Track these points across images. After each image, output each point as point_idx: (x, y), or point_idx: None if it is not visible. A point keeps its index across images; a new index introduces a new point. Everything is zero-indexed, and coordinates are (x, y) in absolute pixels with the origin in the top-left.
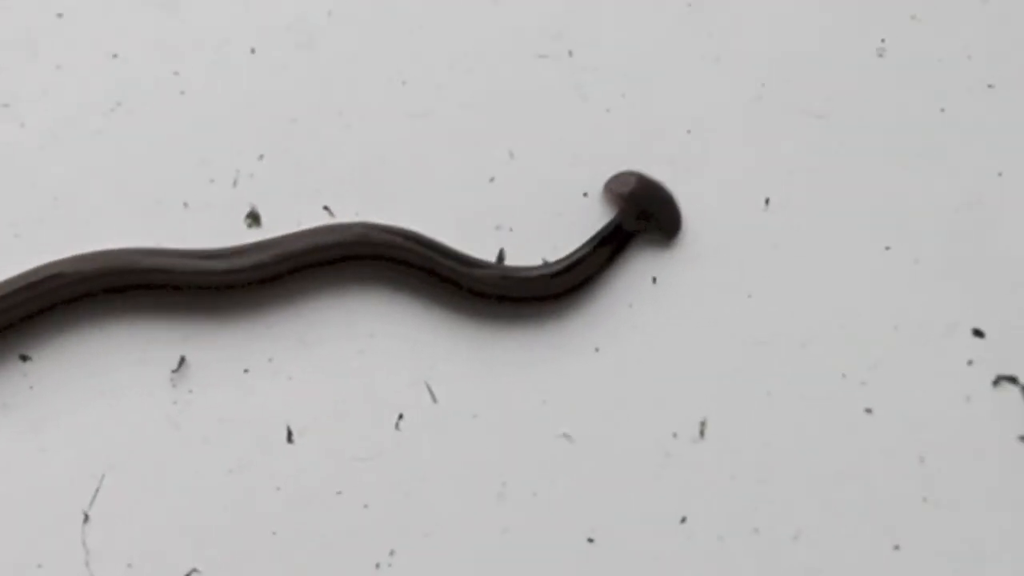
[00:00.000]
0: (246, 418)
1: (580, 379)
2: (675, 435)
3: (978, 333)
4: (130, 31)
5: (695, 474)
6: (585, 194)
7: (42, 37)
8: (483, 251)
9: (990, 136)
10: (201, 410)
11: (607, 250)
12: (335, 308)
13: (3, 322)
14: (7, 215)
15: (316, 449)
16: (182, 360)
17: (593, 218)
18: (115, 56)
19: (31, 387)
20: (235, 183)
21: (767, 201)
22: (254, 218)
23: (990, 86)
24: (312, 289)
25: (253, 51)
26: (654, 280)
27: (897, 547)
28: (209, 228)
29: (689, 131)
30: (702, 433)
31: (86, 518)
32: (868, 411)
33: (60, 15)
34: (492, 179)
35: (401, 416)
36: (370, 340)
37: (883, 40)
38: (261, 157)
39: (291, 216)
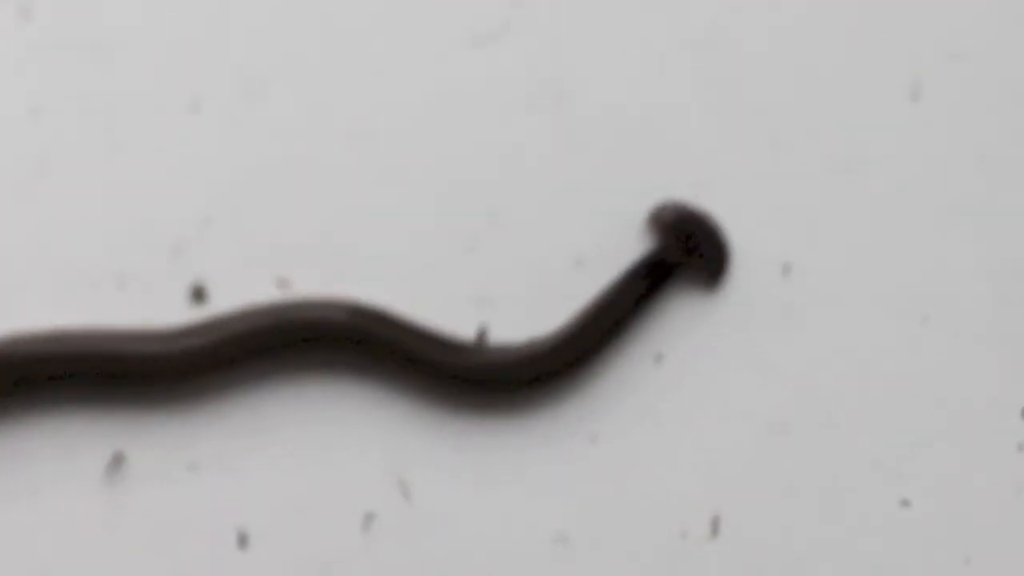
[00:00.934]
0: (192, 521)
1: (575, 472)
2: (684, 534)
3: None
4: (54, 82)
5: None
6: (578, 262)
7: None
8: (462, 327)
9: None
10: (140, 512)
11: (641, 285)
12: (293, 394)
13: None
14: None
15: (272, 556)
16: (118, 456)
17: (588, 288)
18: (37, 111)
19: None
20: (176, 252)
21: (786, 267)
22: (198, 293)
23: None
24: (267, 373)
25: (195, 103)
26: (658, 358)
27: None
28: (147, 305)
29: (698, 188)
30: (715, 531)
31: None
32: (905, 503)
33: None
34: (471, 246)
35: (370, 516)
36: (333, 430)
37: (918, 80)
38: (206, 222)
39: (241, 290)
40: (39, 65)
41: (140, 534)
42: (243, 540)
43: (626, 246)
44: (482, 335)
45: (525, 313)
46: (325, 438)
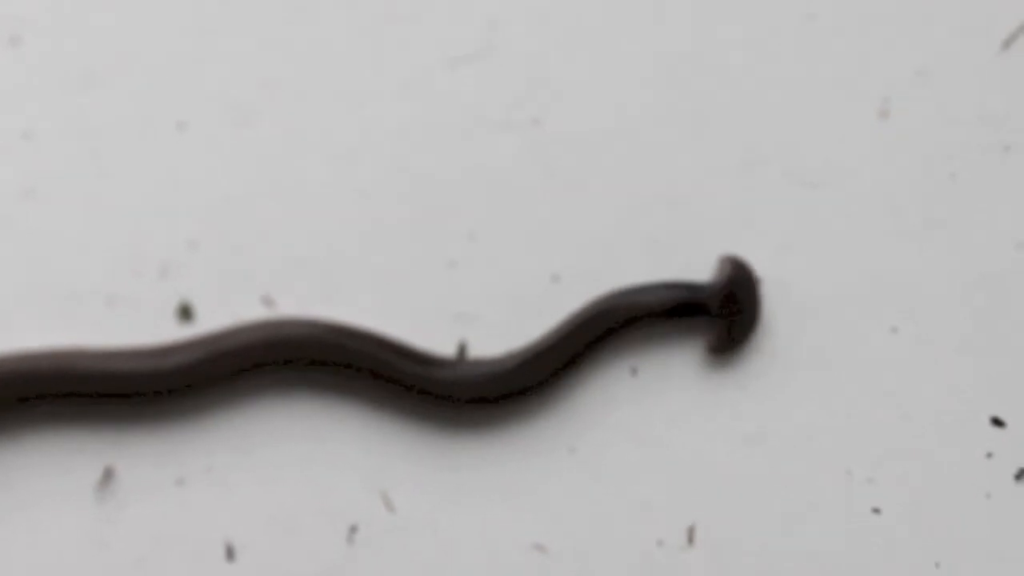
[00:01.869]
0: (181, 534)
1: (553, 483)
2: (660, 543)
3: (997, 422)
4: (42, 108)
5: None
6: (555, 278)
7: None
8: (443, 343)
9: (1006, 204)
10: (130, 527)
11: (662, 310)
12: (279, 411)
13: None
14: None
15: (260, 568)
16: (108, 471)
17: (564, 303)
18: (26, 136)
19: None
20: (163, 274)
21: (758, 279)
22: (185, 312)
23: (1006, 148)
24: (253, 390)
25: (181, 127)
26: (633, 371)
27: None
28: (135, 324)
29: (671, 205)
30: (691, 540)
31: None
32: (876, 511)
33: None
34: (451, 263)
35: (354, 528)
36: (318, 445)
37: (886, 99)
38: (192, 244)
39: (227, 310)
40: (28, 90)
41: (130, 547)
42: (231, 553)
43: (601, 263)
44: (462, 351)
45: (504, 328)
46: (309, 453)
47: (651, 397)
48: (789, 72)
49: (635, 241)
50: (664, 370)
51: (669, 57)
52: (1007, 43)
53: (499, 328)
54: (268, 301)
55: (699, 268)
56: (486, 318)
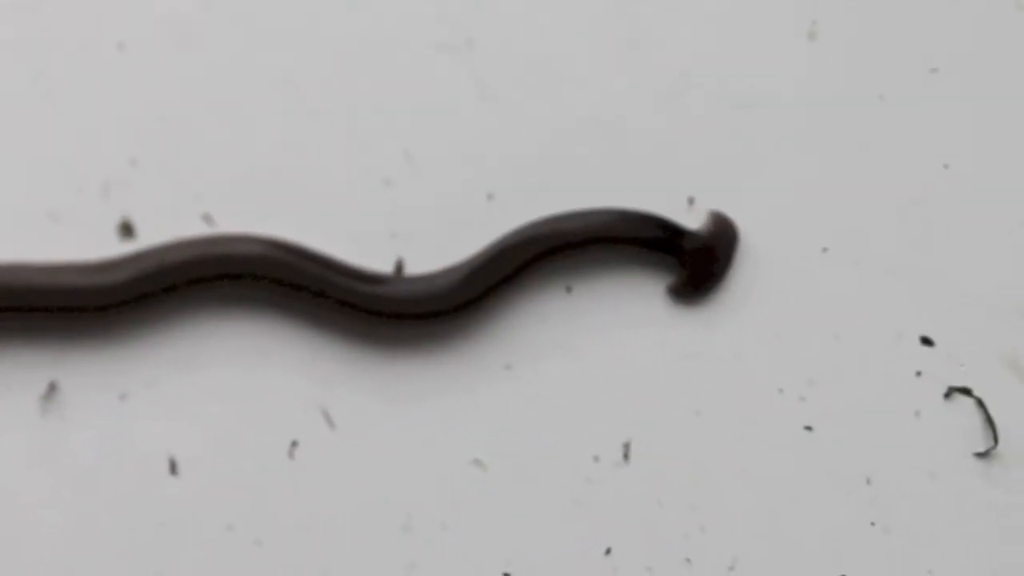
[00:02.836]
0: (125, 449)
1: (490, 400)
2: (597, 459)
3: (927, 341)
4: None
5: (620, 501)
6: (490, 196)
7: None
8: (380, 261)
9: (935, 125)
10: (74, 441)
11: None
12: (220, 327)
13: None
14: None
15: (202, 481)
16: (52, 386)
17: (499, 222)
18: None
19: None
20: (105, 191)
21: (691, 200)
22: (127, 229)
23: (934, 70)
24: (194, 307)
25: (121, 47)
26: (569, 290)
27: None
28: (77, 241)
29: (604, 127)
30: (626, 456)
31: None
32: (808, 429)
33: None
34: (388, 182)
35: (295, 444)
36: (259, 361)
37: (815, 21)
38: (134, 162)
39: (167, 227)
40: None
41: (74, 461)
42: (174, 467)
43: (535, 183)
44: (399, 268)
45: (440, 246)
46: (250, 369)
47: (586, 315)
48: None
49: (567, 162)
50: (599, 288)
51: None
52: None
53: (435, 246)
54: (208, 219)
55: (630, 190)
56: (422, 236)
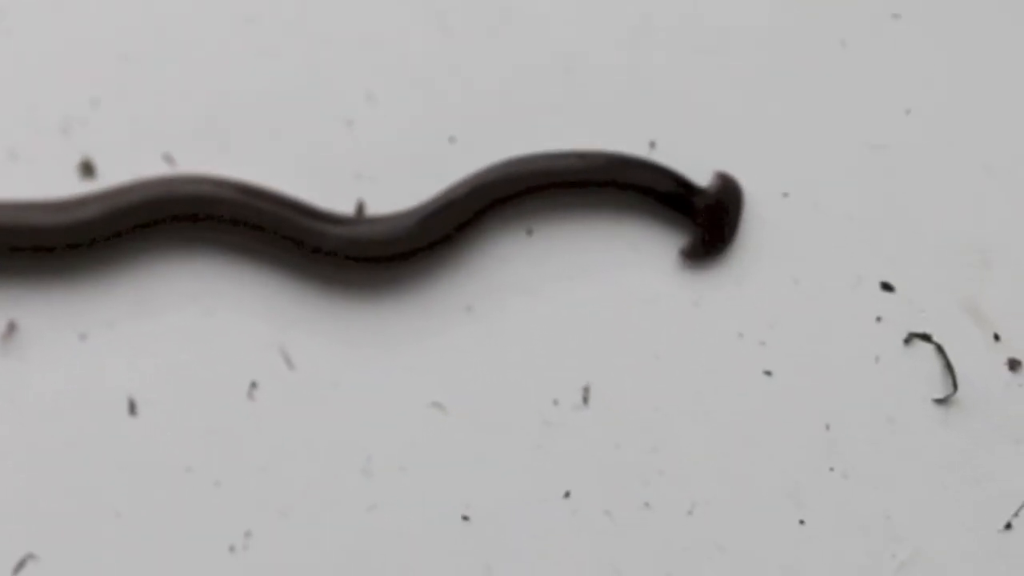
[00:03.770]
0: (84, 389)
1: (450, 342)
2: (556, 402)
3: (887, 287)
4: None
5: (578, 444)
6: (452, 138)
7: None
8: (341, 203)
9: (896, 72)
10: (34, 380)
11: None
12: (180, 268)
13: None
14: None
15: (161, 422)
16: (11, 325)
17: (461, 164)
18: None
19: None
20: (65, 130)
21: (652, 144)
22: (87, 169)
23: (895, 16)
24: (154, 246)
25: None
26: (529, 232)
27: (802, 521)
28: (37, 180)
29: (567, 68)
30: (585, 399)
31: None
32: (768, 373)
33: None
34: (350, 123)
35: (254, 385)
36: (219, 302)
37: None
38: (94, 102)
39: (128, 167)
40: None
41: (34, 400)
42: (133, 407)
43: (497, 126)
44: (360, 210)
45: (401, 188)
46: (210, 309)
47: (547, 258)
48: None
49: (530, 103)
50: (560, 231)
51: None
52: None
53: (396, 188)
54: (169, 159)
55: (591, 131)
56: (384, 178)
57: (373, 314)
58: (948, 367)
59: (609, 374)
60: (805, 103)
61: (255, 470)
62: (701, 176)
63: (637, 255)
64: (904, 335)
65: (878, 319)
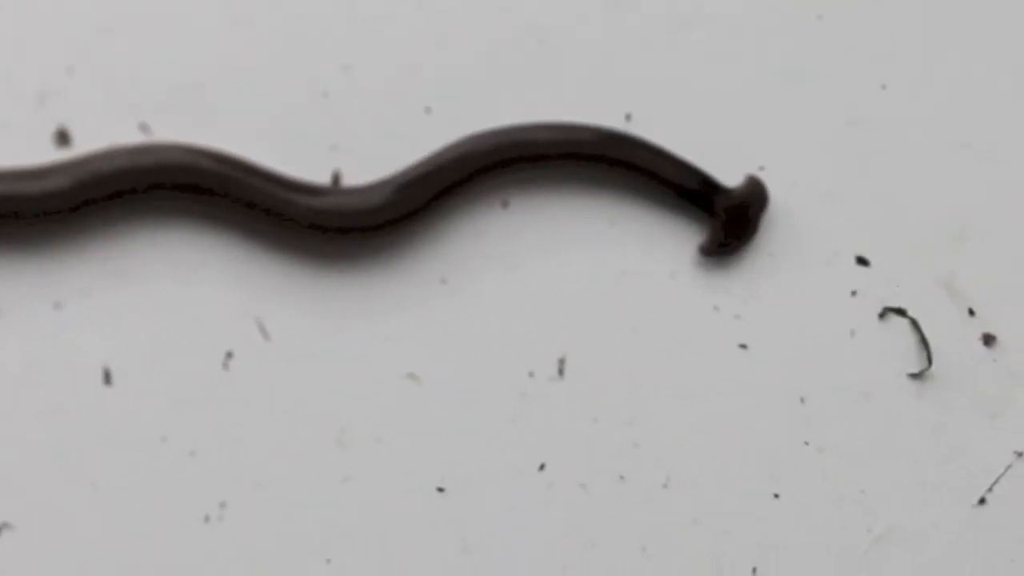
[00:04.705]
0: (59, 358)
1: (425, 313)
2: (531, 374)
3: (862, 261)
4: None
5: (554, 416)
6: (428, 109)
7: None
8: (317, 173)
9: (872, 46)
10: (8, 349)
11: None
12: (156, 237)
13: None
14: None
15: (137, 392)
16: None
17: (437, 135)
18: None
19: None
20: (41, 99)
21: (628, 116)
22: (63, 138)
23: None
24: (130, 216)
25: None
26: (505, 204)
27: (777, 495)
28: (12, 149)
29: (541, 40)
30: (561, 372)
31: None
32: (743, 347)
33: None
34: (326, 94)
35: (230, 355)
36: (194, 272)
37: None
38: (70, 71)
39: (104, 136)
40: None
41: (8, 369)
42: (108, 376)
43: (473, 96)
44: (336, 180)
45: (377, 159)
46: (185, 279)
47: (522, 230)
48: None
49: (506, 75)
50: (535, 204)
51: None
52: None
53: (372, 158)
54: (144, 128)
55: (568, 99)
56: (359, 149)
57: (348, 285)
58: (923, 342)
59: (585, 347)
60: (781, 77)
61: (230, 440)
62: (682, 145)
63: (613, 228)
64: (879, 310)
65: (853, 293)
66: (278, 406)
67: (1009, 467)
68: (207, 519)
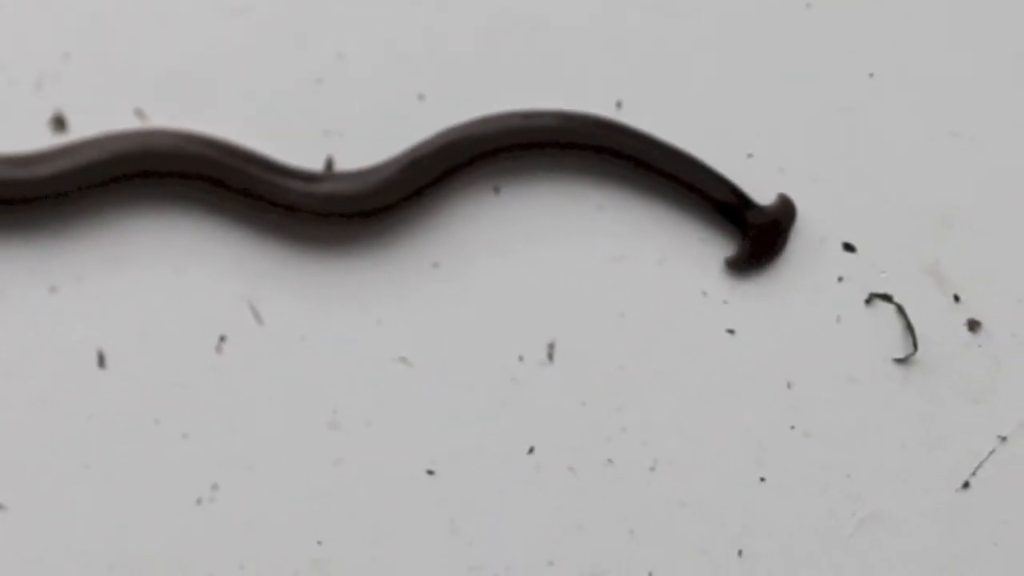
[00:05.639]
0: (53, 342)
1: (417, 298)
2: (521, 358)
3: (849, 247)
4: None
5: (543, 400)
6: (421, 96)
7: None
8: (311, 159)
9: (860, 34)
10: (3, 333)
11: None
12: (151, 222)
13: None
14: None
15: (130, 375)
16: None
17: (430, 122)
18: None
19: None
20: (38, 85)
21: (619, 103)
22: (59, 123)
23: None
24: (124, 200)
25: None
26: (497, 190)
27: (763, 479)
28: (9, 134)
29: (534, 28)
30: (550, 356)
31: None
32: (731, 332)
33: None
34: (320, 81)
35: (223, 338)
36: (188, 257)
37: None
38: (67, 57)
39: (100, 121)
40: None
41: (5, 352)
42: (102, 360)
43: (465, 83)
44: (329, 166)
45: (370, 146)
46: (179, 264)
47: (514, 216)
48: None
49: (498, 63)
50: (525, 189)
51: None
52: None
53: (365, 145)
54: (140, 114)
55: (560, 85)
56: (353, 135)
57: (341, 270)
58: (909, 327)
59: (574, 331)
60: (770, 65)
61: (223, 423)
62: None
63: (603, 214)
64: (865, 295)
65: (840, 279)
66: (271, 389)
67: (993, 451)
68: (199, 501)
